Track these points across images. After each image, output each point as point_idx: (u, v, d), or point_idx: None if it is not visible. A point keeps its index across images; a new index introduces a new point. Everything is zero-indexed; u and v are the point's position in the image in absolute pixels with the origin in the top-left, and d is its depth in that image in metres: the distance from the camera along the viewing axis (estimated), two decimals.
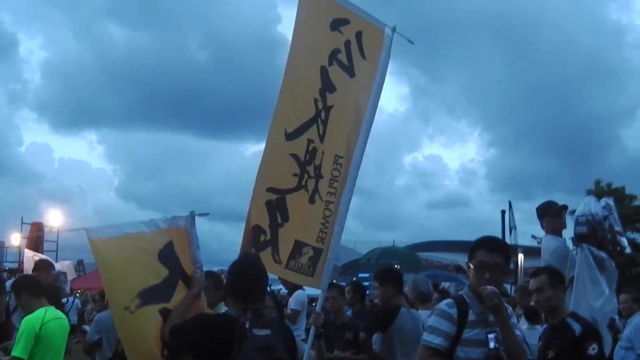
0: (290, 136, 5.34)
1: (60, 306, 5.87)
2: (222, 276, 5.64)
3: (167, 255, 4.61)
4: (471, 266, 3.95)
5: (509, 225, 63.06)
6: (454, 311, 3.82)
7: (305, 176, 5.36)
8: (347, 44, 5.40)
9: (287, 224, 5.31)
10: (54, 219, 35.69)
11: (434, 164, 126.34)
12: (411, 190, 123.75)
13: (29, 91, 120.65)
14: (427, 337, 3.83)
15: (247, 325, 3.38)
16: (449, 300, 3.95)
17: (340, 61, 5.40)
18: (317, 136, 5.39)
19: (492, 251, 3.91)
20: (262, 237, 5.27)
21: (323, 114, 5.40)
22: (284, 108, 5.36)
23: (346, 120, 5.42)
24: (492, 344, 3.74)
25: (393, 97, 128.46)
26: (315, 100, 5.38)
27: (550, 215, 6.32)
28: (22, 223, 34.14)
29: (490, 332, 3.78)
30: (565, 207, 6.44)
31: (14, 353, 5.33)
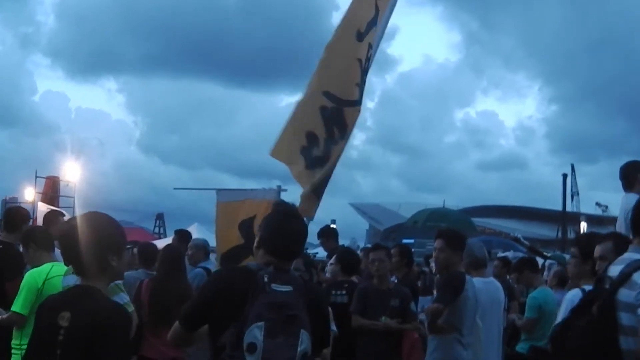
0: (361, 36, 5.17)
1: None
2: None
3: (246, 227, 5.15)
4: None
5: (571, 190, 62.58)
6: None
7: (363, 87, 5.20)
8: None
9: (342, 143, 5.14)
10: (71, 172, 36.22)
11: (487, 120, 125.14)
12: (462, 149, 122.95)
13: (42, 34, 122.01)
14: None
15: (265, 279, 3.34)
16: None
17: None
18: (373, 39, 5.25)
19: None
20: (315, 152, 5.12)
21: (379, 15, 5.29)
22: (357, 5, 5.27)
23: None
24: None
25: (443, 45, 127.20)
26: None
27: None
28: (36, 177, 34.62)
29: None
30: None
31: (14, 308, 5.37)
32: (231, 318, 3.32)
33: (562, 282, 8.49)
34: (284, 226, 3.65)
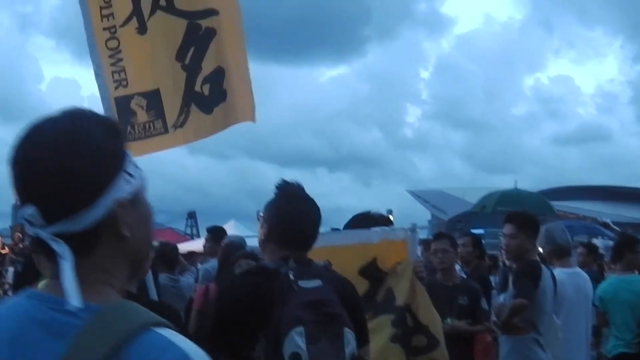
0: None
1: None
2: None
3: (369, 270, 4.92)
4: None
5: None
6: None
7: None
8: None
9: None
10: None
11: (562, 86, 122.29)
12: (534, 122, 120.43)
13: (43, 14, 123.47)
14: None
15: (291, 277, 3.22)
16: None
17: None
18: None
19: None
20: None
21: None
22: None
23: None
24: None
25: (506, 0, 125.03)
26: None
27: None
28: None
29: None
30: None
31: None
32: (259, 328, 3.25)
33: (628, 266, 8.07)
34: (291, 211, 3.57)
